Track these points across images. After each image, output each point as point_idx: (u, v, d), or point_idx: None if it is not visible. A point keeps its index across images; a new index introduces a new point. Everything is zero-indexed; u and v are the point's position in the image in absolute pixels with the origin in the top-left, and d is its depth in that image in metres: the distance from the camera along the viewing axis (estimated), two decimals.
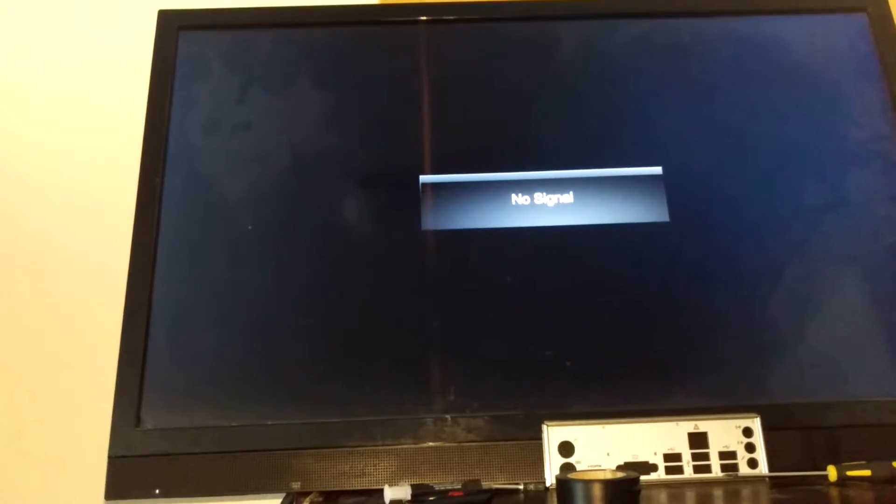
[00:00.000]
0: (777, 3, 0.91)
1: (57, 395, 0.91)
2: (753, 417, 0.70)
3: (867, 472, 0.66)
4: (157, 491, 0.70)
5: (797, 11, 0.90)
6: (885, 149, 0.84)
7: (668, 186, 0.82)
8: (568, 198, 0.81)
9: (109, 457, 0.71)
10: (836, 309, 0.77)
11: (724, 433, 0.69)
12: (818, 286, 0.78)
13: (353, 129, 0.84)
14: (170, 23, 0.88)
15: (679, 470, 0.68)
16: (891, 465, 0.66)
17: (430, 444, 0.71)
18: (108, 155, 0.98)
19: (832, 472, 0.66)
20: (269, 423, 0.72)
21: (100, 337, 0.90)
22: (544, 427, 0.70)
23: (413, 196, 0.81)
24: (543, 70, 0.87)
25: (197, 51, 0.87)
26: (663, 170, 0.82)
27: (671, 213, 0.81)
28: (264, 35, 0.88)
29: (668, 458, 0.69)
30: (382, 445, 0.71)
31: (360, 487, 0.70)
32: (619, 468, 0.68)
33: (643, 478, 0.65)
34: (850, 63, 0.88)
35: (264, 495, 0.72)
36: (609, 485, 0.58)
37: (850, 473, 0.66)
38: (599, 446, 0.69)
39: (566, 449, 0.69)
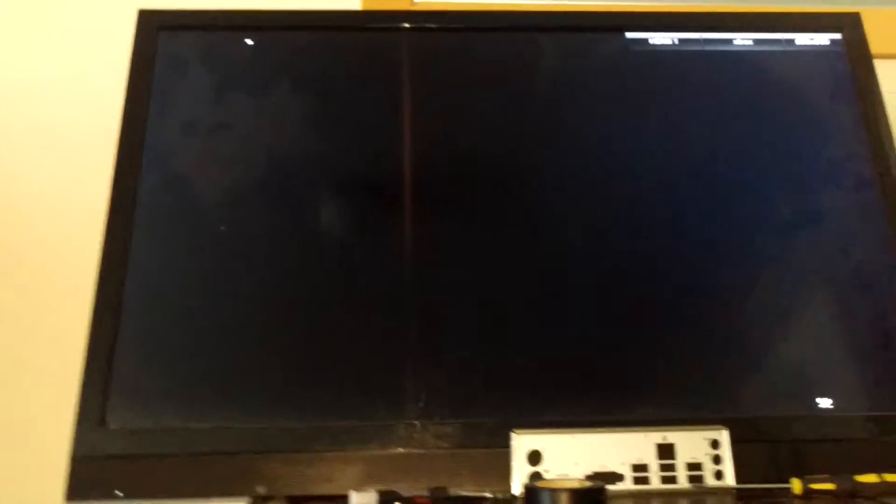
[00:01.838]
0: (752, 22, 0.92)
1: (19, 394, 0.90)
2: (721, 430, 0.70)
3: (831, 486, 0.66)
4: (120, 493, 0.69)
5: (772, 30, 0.91)
6: (857, 167, 0.85)
7: (641, 201, 0.82)
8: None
9: (72, 457, 0.70)
10: (805, 324, 0.78)
11: (692, 445, 0.70)
12: (788, 301, 0.79)
13: (331, 134, 0.84)
14: (150, 23, 0.88)
15: (646, 481, 0.68)
16: (854, 480, 0.66)
17: (399, 450, 0.71)
18: (82, 152, 0.98)
19: (797, 486, 0.67)
20: (236, 425, 0.71)
21: (66, 335, 0.89)
22: (513, 435, 0.69)
23: (390, 202, 0.81)
24: (524, 81, 0.88)
25: (176, 51, 0.87)
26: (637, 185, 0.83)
27: (643, 227, 0.81)
28: (245, 37, 0.88)
29: (635, 468, 0.69)
30: (350, 451, 0.70)
31: (326, 493, 0.70)
32: (587, 478, 0.68)
33: (610, 488, 0.65)
34: (825, 82, 0.89)
35: (229, 499, 0.71)
36: (575, 494, 0.58)
37: (814, 487, 0.66)
38: (568, 456, 0.69)
39: (534, 458, 0.69)
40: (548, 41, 0.89)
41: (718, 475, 0.69)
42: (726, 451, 0.69)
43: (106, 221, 0.78)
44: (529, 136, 0.85)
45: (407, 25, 0.89)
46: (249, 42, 0.88)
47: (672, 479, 0.68)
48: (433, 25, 0.90)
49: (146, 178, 0.81)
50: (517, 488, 0.68)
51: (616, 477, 0.68)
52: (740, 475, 0.69)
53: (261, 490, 0.69)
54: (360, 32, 0.89)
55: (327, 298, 0.77)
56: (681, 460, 0.69)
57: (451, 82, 0.87)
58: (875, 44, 0.91)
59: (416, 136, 0.84)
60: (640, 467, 0.69)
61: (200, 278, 0.77)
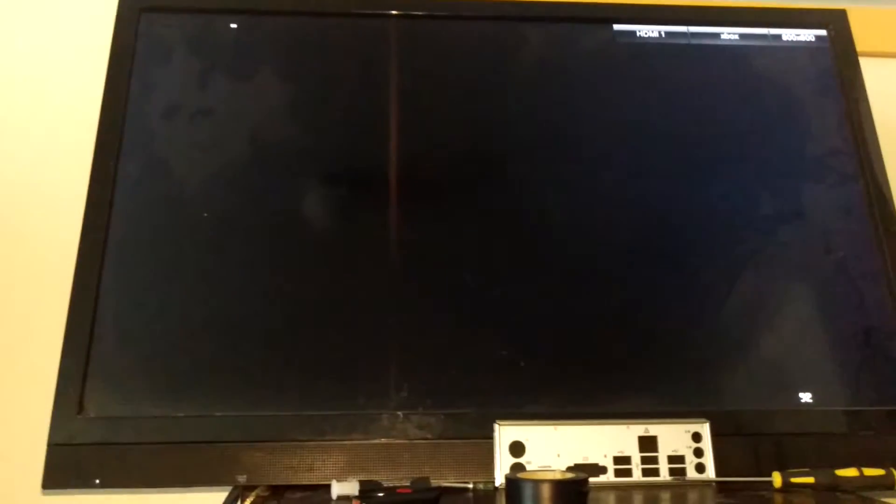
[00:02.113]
0: (740, 16, 0.92)
1: None
2: (703, 423, 0.71)
3: (810, 480, 0.67)
4: (98, 481, 0.68)
5: (759, 25, 0.91)
6: (839, 164, 0.85)
7: (624, 194, 0.82)
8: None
9: (49, 445, 0.69)
10: (786, 319, 0.79)
11: (674, 437, 0.70)
12: (770, 296, 0.80)
13: (316, 120, 0.83)
14: (132, 4, 0.86)
15: (628, 473, 0.69)
16: (833, 473, 0.67)
17: (381, 440, 0.70)
18: (61, 136, 0.96)
19: (777, 479, 0.67)
20: (217, 414, 0.70)
21: (44, 322, 0.88)
22: (496, 426, 0.69)
23: (375, 191, 0.80)
24: (512, 70, 0.87)
25: (159, 33, 0.85)
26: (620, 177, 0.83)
27: (627, 220, 0.81)
28: (229, 21, 0.86)
29: (617, 460, 0.69)
30: (332, 440, 0.70)
31: (308, 482, 0.69)
32: (570, 469, 0.68)
33: (592, 480, 0.65)
34: (810, 78, 0.89)
35: (209, 488, 0.71)
36: (557, 485, 0.58)
37: (794, 480, 0.67)
38: (550, 447, 0.69)
39: (517, 449, 0.69)
40: (536, 31, 0.89)
41: (700, 468, 0.69)
42: (708, 444, 0.70)
43: (85, 205, 0.77)
44: (516, 125, 0.85)
45: (394, 12, 0.88)
46: (233, 25, 0.86)
47: (654, 472, 0.69)
48: (420, 13, 0.89)
49: (126, 162, 0.79)
50: (500, 479, 0.68)
51: (598, 469, 0.68)
52: (721, 468, 0.69)
53: (242, 479, 0.68)
54: (347, 18, 0.88)
55: (310, 287, 0.76)
56: (663, 453, 0.69)
57: (438, 70, 0.87)
58: (860, 41, 0.91)
59: (401, 123, 0.83)
60: (622, 459, 0.69)
61: (181, 265, 0.76)
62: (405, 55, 0.86)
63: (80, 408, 0.70)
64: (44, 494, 0.86)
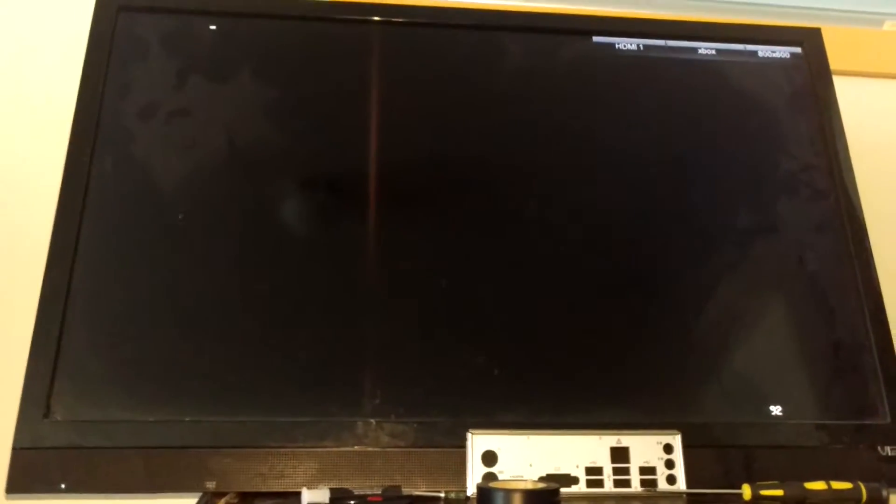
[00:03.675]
0: (717, 32, 0.93)
1: None
2: (675, 434, 0.71)
3: (780, 492, 0.67)
4: (64, 486, 0.66)
5: (736, 41, 0.92)
6: (812, 179, 0.87)
7: (599, 205, 0.83)
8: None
9: (13, 448, 0.67)
10: (758, 332, 0.79)
11: (646, 449, 0.70)
12: (743, 309, 0.80)
13: (294, 125, 0.83)
14: (110, 2, 0.85)
15: (600, 483, 0.69)
16: (802, 486, 0.67)
17: (353, 448, 0.70)
18: (35, 133, 0.95)
19: (746, 491, 0.68)
20: (187, 419, 0.69)
21: (12, 321, 0.86)
22: (468, 435, 0.69)
23: (352, 197, 0.80)
24: (492, 79, 0.87)
25: (137, 33, 0.84)
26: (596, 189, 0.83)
27: (602, 231, 0.82)
28: (209, 22, 0.86)
29: (589, 471, 0.69)
30: (303, 448, 0.69)
31: (278, 489, 0.68)
32: (541, 479, 0.68)
33: (564, 490, 0.65)
34: (784, 95, 0.91)
35: (178, 494, 0.70)
36: (528, 495, 0.58)
37: (764, 493, 0.67)
38: (523, 457, 0.69)
39: (489, 458, 0.69)
40: (517, 41, 0.89)
41: (671, 479, 0.69)
42: (679, 456, 0.70)
43: (57, 204, 0.76)
44: (494, 134, 0.85)
45: (377, 18, 0.88)
46: (213, 27, 0.86)
47: (625, 483, 0.69)
48: (403, 20, 0.89)
49: (100, 162, 0.78)
50: (471, 488, 0.67)
51: (570, 479, 0.68)
52: (692, 480, 0.70)
53: (211, 486, 0.68)
54: (329, 23, 0.88)
55: (284, 292, 0.76)
56: (634, 464, 0.70)
57: (420, 77, 0.87)
58: (834, 60, 0.93)
59: (381, 129, 0.83)
60: (594, 470, 0.69)
61: (154, 268, 0.75)
62: (386, 61, 0.86)
63: (48, 410, 0.69)
64: (8, 499, 0.84)
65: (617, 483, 0.69)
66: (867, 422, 0.76)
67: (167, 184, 0.78)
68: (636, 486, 0.69)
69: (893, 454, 0.75)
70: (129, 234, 0.76)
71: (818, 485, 0.67)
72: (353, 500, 0.65)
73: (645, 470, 0.69)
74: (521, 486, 0.59)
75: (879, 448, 0.75)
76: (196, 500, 0.69)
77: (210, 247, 0.76)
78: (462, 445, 0.69)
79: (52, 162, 0.90)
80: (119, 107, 0.81)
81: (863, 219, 0.85)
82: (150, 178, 0.78)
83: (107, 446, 0.68)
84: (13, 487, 0.66)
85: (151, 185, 0.78)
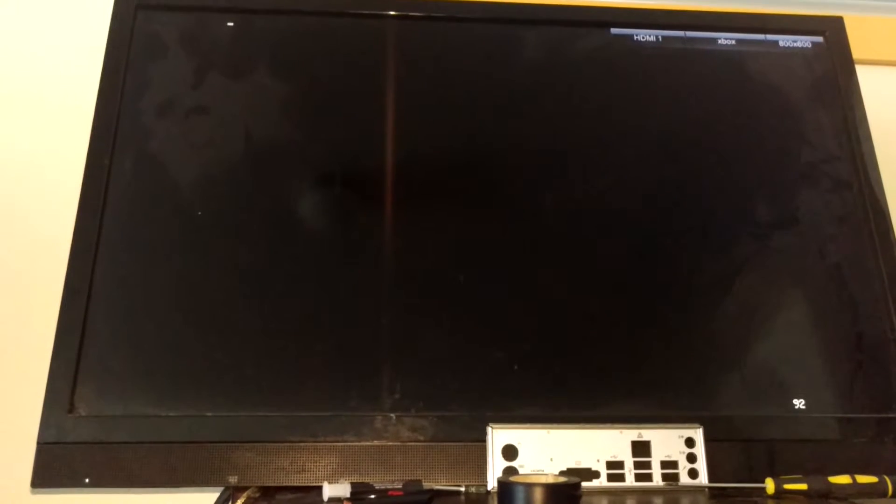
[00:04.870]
0: (737, 22, 0.92)
1: None
2: (696, 428, 0.70)
3: (804, 486, 0.67)
4: (87, 480, 0.67)
5: (756, 31, 0.91)
6: (835, 170, 0.85)
7: (620, 198, 0.82)
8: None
9: (38, 443, 0.68)
10: (781, 325, 0.79)
11: (667, 442, 0.70)
12: (764, 302, 0.79)
13: (312, 120, 0.83)
14: (128, 1, 0.86)
15: (621, 478, 0.69)
16: (826, 480, 0.67)
17: (373, 442, 0.70)
18: (56, 132, 0.96)
19: (770, 485, 0.67)
20: (209, 414, 0.70)
21: (36, 319, 0.87)
22: (489, 429, 0.69)
23: (370, 192, 0.80)
24: (509, 72, 0.87)
25: (155, 31, 0.85)
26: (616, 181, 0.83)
27: (622, 224, 0.81)
28: (226, 19, 0.86)
29: (610, 465, 0.69)
30: (324, 442, 0.70)
31: (299, 484, 0.69)
32: (562, 473, 0.68)
33: (585, 484, 0.65)
34: (806, 85, 0.89)
35: (200, 489, 0.70)
36: (549, 489, 0.57)
37: (788, 487, 0.67)
38: (543, 451, 0.69)
39: (510, 452, 0.69)
40: (533, 34, 0.89)
41: (693, 473, 0.69)
42: (701, 450, 0.70)
43: (78, 204, 0.76)
44: (512, 128, 0.84)
45: (393, 13, 0.88)
46: (230, 24, 0.86)
47: (647, 477, 0.69)
48: (419, 14, 0.89)
49: (120, 160, 0.79)
50: (492, 482, 0.67)
51: (591, 473, 0.68)
52: (714, 474, 0.69)
53: (233, 480, 0.68)
54: (345, 18, 0.88)
55: (304, 287, 0.76)
56: (656, 458, 0.69)
57: (436, 71, 0.86)
58: (856, 49, 0.92)
59: (398, 124, 0.83)
60: (615, 464, 0.69)
61: (174, 264, 0.75)
62: (402, 56, 0.86)
63: (71, 406, 0.69)
64: (33, 493, 0.86)
65: (638, 477, 0.68)
66: (892, 415, 0.75)
67: (186, 181, 0.79)
68: (658, 481, 0.68)
69: None
70: (150, 232, 0.77)
71: (843, 478, 0.67)
72: (374, 494, 0.65)
73: (666, 464, 0.69)
74: (542, 480, 0.59)
75: None
76: (218, 494, 0.70)
77: (229, 243, 0.77)
78: (482, 440, 0.69)
79: (72, 161, 0.91)
80: (138, 104, 0.81)
81: (887, 210, 0.84)
82: (170, 176, 0.79)
83: (130, 441, 0.68)
84: (38, 482, 0.67)
85: (171, 182, 0.79)
